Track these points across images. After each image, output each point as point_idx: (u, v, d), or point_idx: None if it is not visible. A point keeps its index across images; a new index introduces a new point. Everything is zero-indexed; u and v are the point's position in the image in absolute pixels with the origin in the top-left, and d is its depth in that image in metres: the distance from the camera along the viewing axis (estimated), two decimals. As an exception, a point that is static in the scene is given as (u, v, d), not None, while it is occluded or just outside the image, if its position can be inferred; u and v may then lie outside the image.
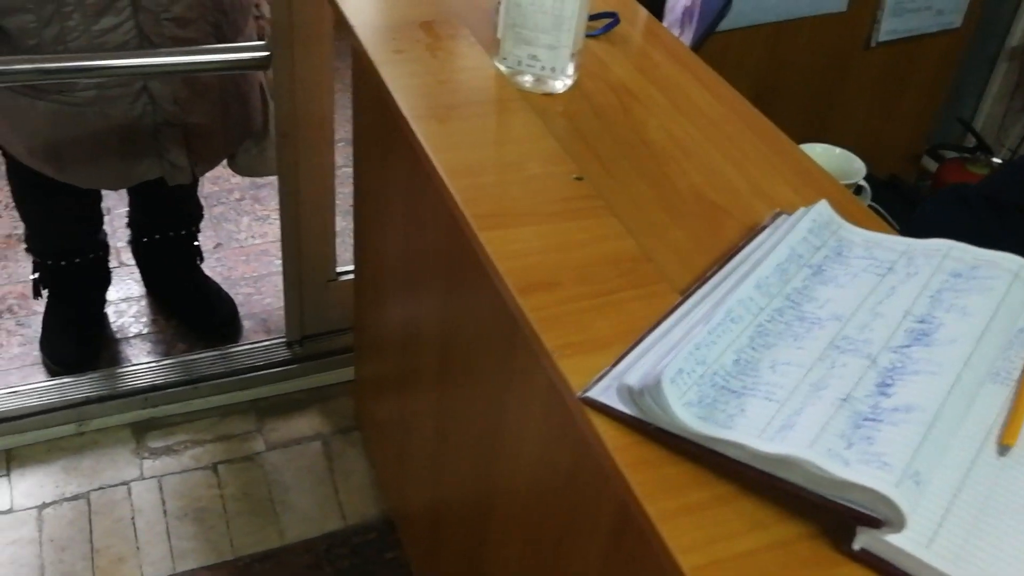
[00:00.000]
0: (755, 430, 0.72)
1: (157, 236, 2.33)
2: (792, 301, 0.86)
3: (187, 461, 2.08)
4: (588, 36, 1.30)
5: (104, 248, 2.28)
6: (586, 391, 0.79)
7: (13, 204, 2.20)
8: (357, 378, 2.14)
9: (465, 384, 1.36)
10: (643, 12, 1.41)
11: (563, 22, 1.13)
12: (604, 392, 0.79)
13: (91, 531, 1.95)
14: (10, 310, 2.39)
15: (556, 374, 0.82)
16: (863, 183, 1.49)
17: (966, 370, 0.76)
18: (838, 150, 1.51)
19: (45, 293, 2.28)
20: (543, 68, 1.17)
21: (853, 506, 0.67)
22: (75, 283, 2.28)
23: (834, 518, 0.69)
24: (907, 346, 0.79)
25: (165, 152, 1.91)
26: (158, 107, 1.84)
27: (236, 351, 2.25)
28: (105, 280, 2.35)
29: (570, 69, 1.18)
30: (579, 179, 1.04)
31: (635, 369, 0.78)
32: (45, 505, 1.99)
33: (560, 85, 1.19)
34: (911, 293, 0.85)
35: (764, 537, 0.70)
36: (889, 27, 2.24)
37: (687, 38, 1.64)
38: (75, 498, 2.00)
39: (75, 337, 2.28)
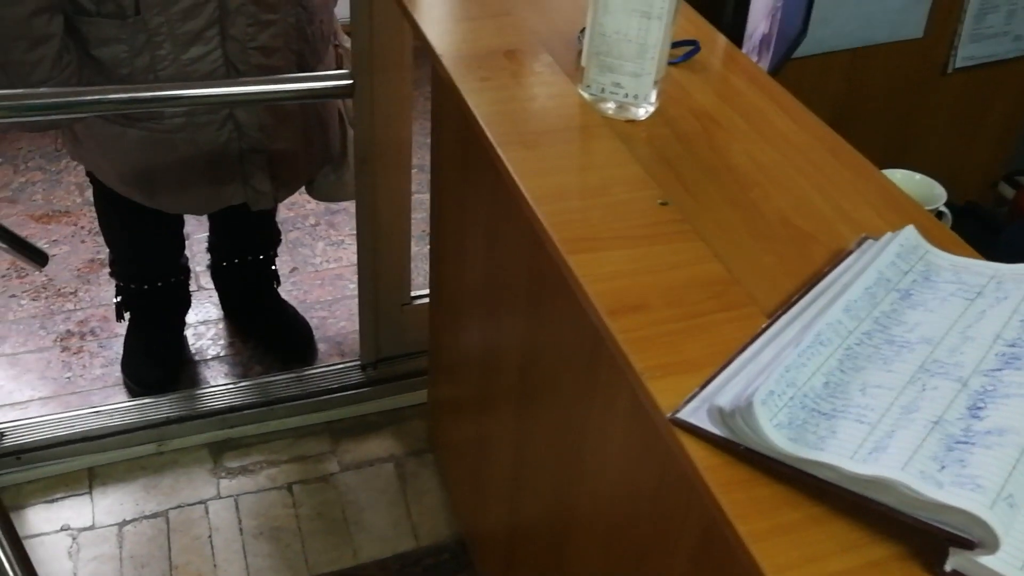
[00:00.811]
0: (847, 452, 0.72)
1: (236, 261, 2.39)
2: (881, 325, 0.86)
3: (263, 481, 2.11)
4: (669, 64, 1.32)
5: (185, 272, 2.33)
6: (676, 412, 0.80)
7: (97, 229, 2.26)
8: (430, 400, 2.17)
9: (545, 405, 1.37)
10: (722, 39, 1.42)
11: (647, 50, 1.15)
12: (694, 413, 0.80)
13: (170, 548, 1.99)
14: (92, 332, 2.45)
15: (645, 395, 0.83)
16: (944, 209, 1.49)
17: (1059, 394, 0.76)
18: (918, 176, 1.50)
19: (127, 316, 2.33)
20: (626, 95, 1.19)
21: (946, 528, 0.67)
22: (157, 306, 2.33)
23: (926, 540, 0.69)
24: (998, 369, 0.79)
25: (250, 178, 1.97)
26: (244, 134, 1.89)
27: (311, 374, 2.29)
28: (185, 303, 2.41)
29: (653, 96, 1.19)
30: (664, 204, 1.05)
31: (726, 391, 0.79)
32: (125, 522, 2.03)
33: (643, 112, 1.20)
34: (1001, 317, 0.85)
35: (856, 558, 0.70)
36: (966, 53, 2.23)
37: (764, 64, 1.65)
38: (154, 516, 2.05)
39: (156, 359, 2.33)
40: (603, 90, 1.20)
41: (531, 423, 1.44)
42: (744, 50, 1.50)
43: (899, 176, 1.48)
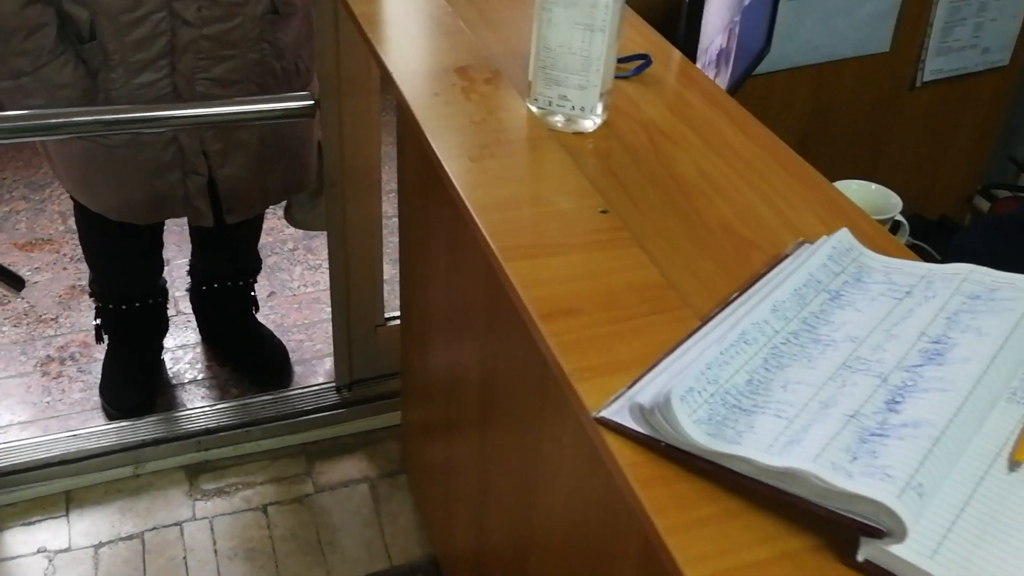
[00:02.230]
0: (762, 445, 0.73)
1: (216, 285, 2.39)
2: (809, 325, 0.87)
3: (238, 503, 2.11)
4: (621, 77, 1.33)
5: (163, 294, 2.34)
6: (601, 411, 0.81)
7: (79, 256, 2.28)
8: (404, 422, 2.17)
9: (504, 425, 1.38)
10: (676, 54, 1.43)
11: (591, 63, 1.16)
12: (618, 412, 0.81)
13: (145, 570, 1.99)
14: (72, 358, 2.46)
15: (573, 396, 0.84)
16: (901, 218, 1.50)
17: (978, 388, 0.77)
18: (874, 186, 1.51)
19: (106, 339, 2.34)
20: (573, 108, 1.20)
21: (857, 518, 0.68)
22: (135, 328, 2.34)
23: (839, 531, 0.70)
24: (920, 365, 0.80)
25: (191, 198, 2.01)
26: (186, 158, 1.95)
27: (287, 395, 2.30)
28: (163, 327, 2.42)
29: (599, 108, 1.21)
30: (605, 212, 1.06)
31: (648, 389, 0.80)
32: (101, 544, 2.04)
33: (590, 124, 1.22)
34: (928, 315, 0.86)
35: (771, 549, 0.71)
36: (934, 67, 2.25)
37: (723, 79, 1.67)
38: (130, 538, 2.05)
39: (134, 384, 2.34)
40: (550, 103, 1.21)
41: (493, 443, 1.45)
42: (699, 64, 1.51)
43: (855, 187, 1.49)
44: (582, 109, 1.20)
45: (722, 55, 1.61)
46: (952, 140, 2.45)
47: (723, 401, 0.78)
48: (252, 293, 2.46)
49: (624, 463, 0.77)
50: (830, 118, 2.23)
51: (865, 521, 0.68)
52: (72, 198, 2.11)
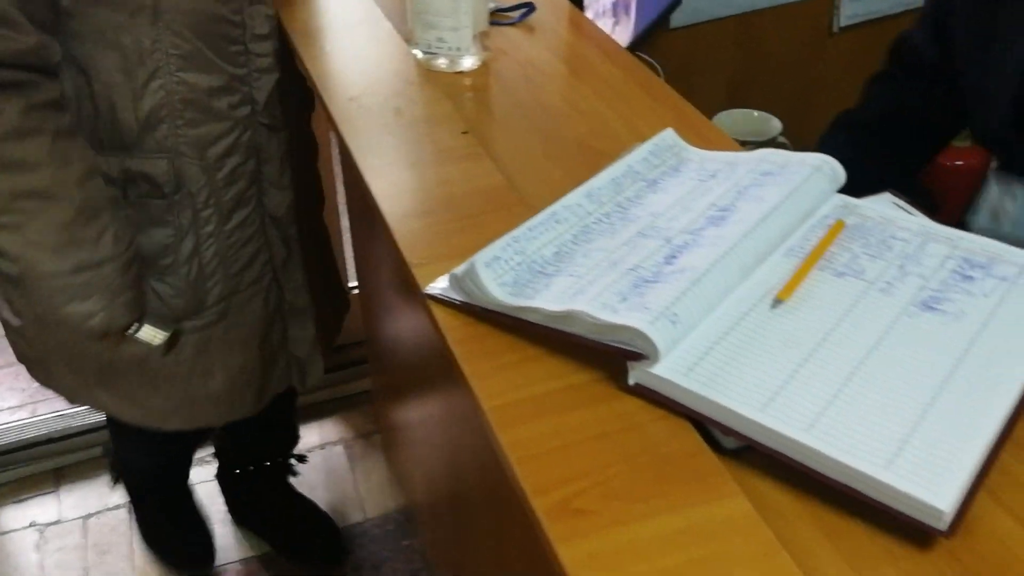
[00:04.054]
0: (552, 297, 0.84)
1: (251, 467, 2.10)
2: (622, 208, 0.98)
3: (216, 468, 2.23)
4: (507, 24, 1.45)
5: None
6: (428, 289, 0.92)
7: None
8: (372, 385, 2.29)
9: (440, 381, 1.48)
10: (564, 2, 1.54)
11: (460, 4, 1.28)
12: (444, 288, 0.92)
13: (132, 537, 2.11)
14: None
15: (411, 280, 0.95)
16: (784, 140, 1.60)
17: (745, 240, 0.87)
18: (757, 113, 1.62)
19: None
20: (450, 48, 1.31)
21: (622, 346, 0.79)
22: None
23: (618, 364, 0.81)
24: (702, 229, 0.91)
25: (293, 347, 1.67)
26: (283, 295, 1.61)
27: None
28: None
29: (474, 48, 1.32)
30: (465, 133, 1.18)
31: (464, 264, 0.91)
32: (90, 515, 2.16)
33: (468, 63, 1.33)
34: (721, 190, 0.97)
35: (559, 383, 0.82)
36: (849, 12, 2.33)
37: (625, 28, 1.77)
38: (117, 508, 2.17)
39: (185, 540, 2.11)
40: (430, 46, 1.32)
41: (437, 399, 1.56)
42: (590, 13, 1.62)
43: (739, 115, 1.59)
44: (458, 49, 1.31)
45: (619, 4, 1.71)
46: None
47: (529, 268, 0.89)
48: (291, 462, 2.13)
49: (444, 326, 0.89)
50: (757, 67, 2.32)
51: (628, 348, 0.79)
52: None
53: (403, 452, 2.04)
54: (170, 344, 1.45)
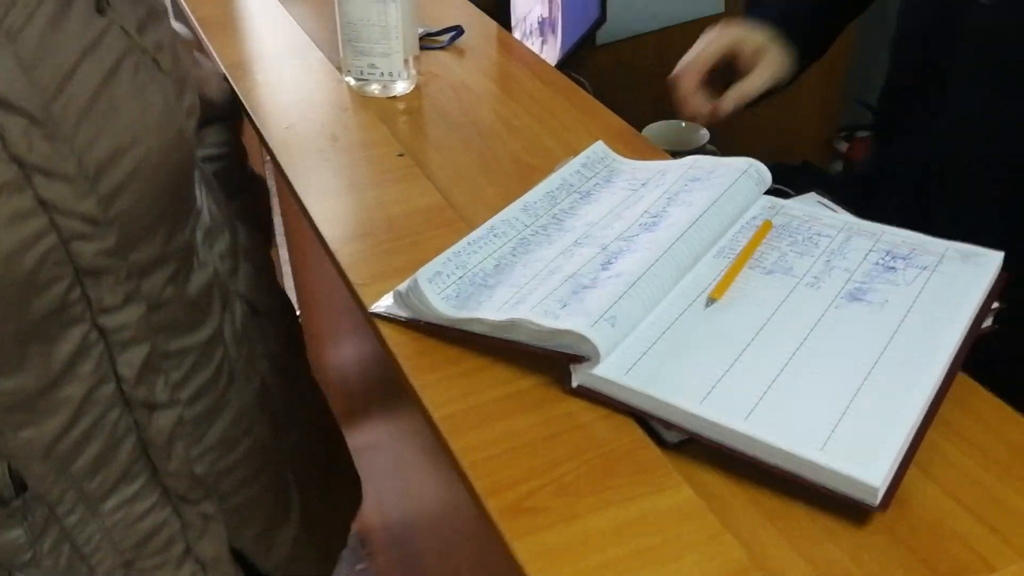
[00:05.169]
0: (495, 308, 0.87)
1: None
2: (557, 219, 1.01)
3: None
4: (437, 48, 1.48)
5: None
6: (373, 307, 0.95)
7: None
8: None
9: (377, 403, 1.51)
10: (492, 24, 1.58)
11: (390, 31, 1.30)
12: (389, 306, 0.94)
13: None
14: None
15: (357, 301, 0.97)
16: (713, 148, 1.65)
17: (677, 244, 0.91)
18: (683, 124, 1.66)
19: None
20: (382, 74, 1.34)
21: (565, 350, 0.82)
22: None
23: (561, 369, 0.84)
24: (636, 235, 0.94)
25: None
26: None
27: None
28: None
29: (405, 73, 1.35)
30: (401, 155, 1.20)
31: (408, 280, 0.94)
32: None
33: (401, 87, 1.36)
34: (653, 198, 1.01)
35: (505, 390, 0.85)
36: (767, 23, 2.39)
37: (553, 46, 1.81)
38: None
39: None
40: (362, 73, 1.35)
41: (385, 423, 1.58)
42: (517, 33, 1.66)
43: (664, 126, 1.64)
44: (390, 75, 1.34)
45: (546, 24, 1.75)
46: (802, 90, 2.58)
47: (471, 282, 0.92)
48: None
49: (392, 342, 0.91)
50: (680, 80, 2.37)
51: (571, 351, 0.82)
52: None
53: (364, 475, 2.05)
54: None
